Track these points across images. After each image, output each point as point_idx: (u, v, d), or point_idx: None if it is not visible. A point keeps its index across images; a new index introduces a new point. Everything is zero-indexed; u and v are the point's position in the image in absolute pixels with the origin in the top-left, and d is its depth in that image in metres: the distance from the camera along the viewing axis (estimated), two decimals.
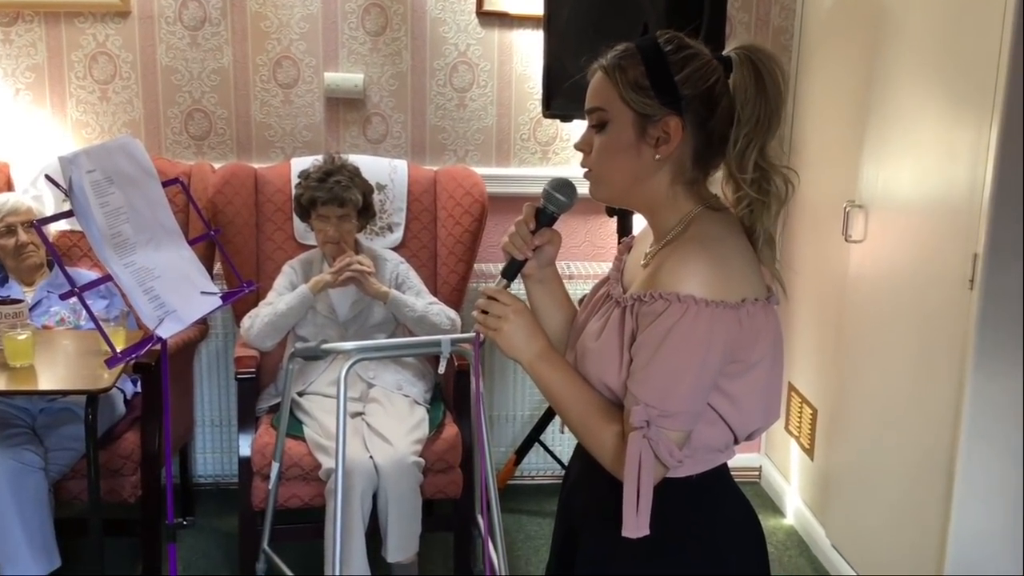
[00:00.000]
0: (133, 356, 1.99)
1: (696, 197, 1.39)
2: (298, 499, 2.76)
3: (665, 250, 1.37)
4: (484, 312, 1.44)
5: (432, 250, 3.31)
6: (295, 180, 3.10)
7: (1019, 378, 2.30)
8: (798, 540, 3.36)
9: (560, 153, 3.54)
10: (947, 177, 2.41)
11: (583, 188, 1.45)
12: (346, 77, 3.38)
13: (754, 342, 1.33)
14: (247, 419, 2.90)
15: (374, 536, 2.67)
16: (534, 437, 3.48)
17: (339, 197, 2.89)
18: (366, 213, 3.02)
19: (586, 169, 1.42)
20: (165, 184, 2.15)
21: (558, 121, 3.36)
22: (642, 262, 1.43)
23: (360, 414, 2.84)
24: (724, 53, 1.37)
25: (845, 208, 2.88)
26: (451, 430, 2.87)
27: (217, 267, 3.23)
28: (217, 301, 2.16)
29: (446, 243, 3.27)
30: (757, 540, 1.50)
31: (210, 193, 3.13)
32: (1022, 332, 2.28)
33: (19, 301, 2.60)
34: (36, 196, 3.09)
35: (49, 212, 3.02)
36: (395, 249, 3.22)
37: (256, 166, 3.29)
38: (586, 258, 3.60)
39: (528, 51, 3.42)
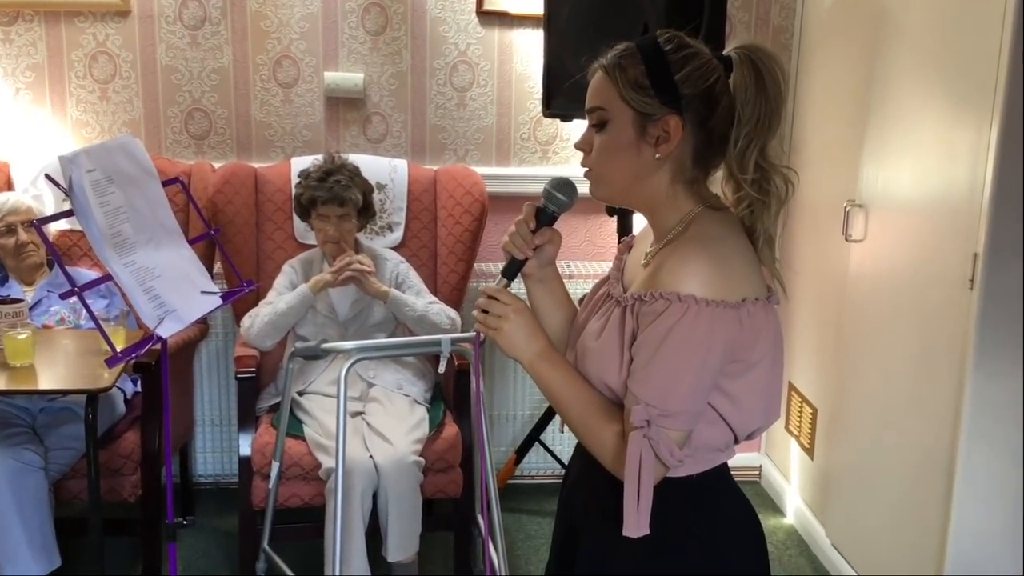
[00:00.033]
0: (133, 356, 1.99)
1: (696, 196, 1.39)
2: (298, 498, 2.76)
3: (666, 250, 1.37)
4: (484, 311, 1.44)
5: (432, 249, 3.31)
6: (295, 179, 3.10)
7: (1019, 378, 2.30)
8: (798, 540, 3.36)
9: (560, 152, 3.54)
10: (947, 177, 2.41)
11: (583, 187, 1.45)
12: (346, 76, 3.38)
13: (754, 342, 1.33)
14: (247, 418, 2.90)
15: (374, 535, 2.67)
16: (534, 436, 3.48)
17: (339, 197, 2.89)
18: (366, 212, 3.02)
19: (586, 168, 1.42)
20: (165, 183, 2.15)
21: (558, 120, 3.36)
22: (642, 262, 1.43)
23: (360, 413, 2.84)
24: (724, 53, 1.37)
25: (845, 208, 2.88)
26: (451, 429, 2.87)
27: (217, 266, 3.23)
28: (217, 300, 2.16)
29: (446, 242, 3.27)
30: (757, 540, 1.50)
31: (210, 192, 3.13)
32: (1022, 332, 2.28)
33: (19, 300, 2.60)
34: (36, 195, 3.09)
35: (49, 211, 3.02)
36: (395, 248, 3.22)
37: (256, 165, 3.29)
38: (586, 257, 3.60)
39: (528, 50, 3.42)
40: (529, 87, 3.46)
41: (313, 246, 3.13)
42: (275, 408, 2.95)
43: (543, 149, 3.54)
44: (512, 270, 1.48)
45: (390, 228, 3.28)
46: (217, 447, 3.53)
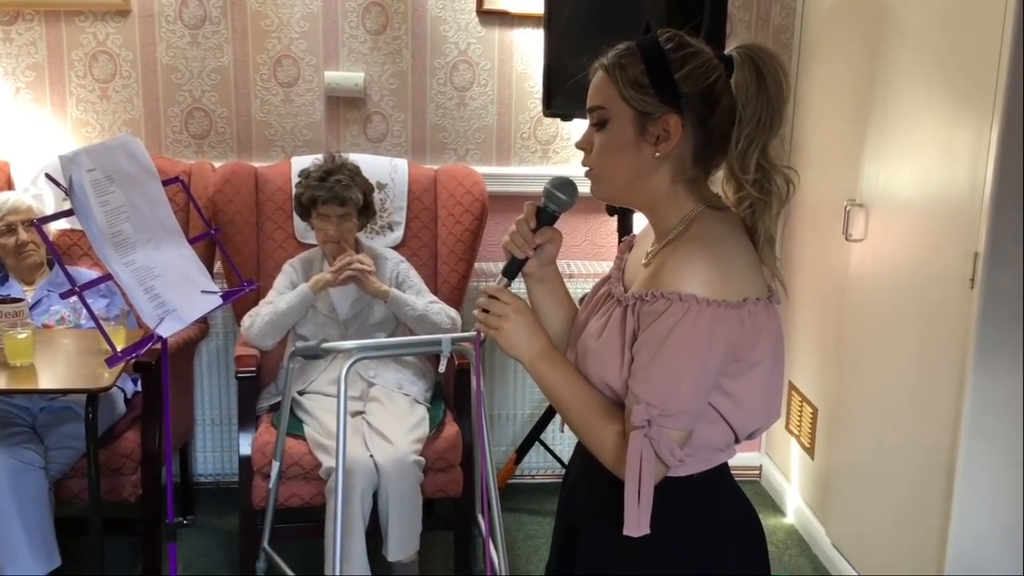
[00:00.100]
0: (133, 355, 1.99)
1: (697, 196, 1.39)
2: (298, 498, 2.76)
3: (667, 249, 1.37)
4: (485, 311, 1.44)
5: (432, 249, 3.31)
6: (295, 179, 3.10)
7: (1019, 377, 2.30)
8: (798, 539, 3.36)
9: (560, 152, 3.54)
10: (948, 176, 2.41)
11: (584, 187, 1.45)
12: (346, 76, 3.38)
13: (755, 341, 1.33)
14: (247, 418, 2.90)
15: (374, 535, 2.67)
16: (534, 436, 3.48)
17: (339, 196, 2.89)
18: (366, 212, 3.02)
19: (587, 168, 1.42)
20: (165, 183, 2.15)
21: (558, 120, 3.36)
22: (643, 261, 1.43)
23: (360, 413, 2.84)
24: (726, 52, 1.37)
25: (846, 207, 2.87)
26: (451, 429, 2.87)
27: (217, 266, 3.23)
28: (217, 300, 2.16)
29: (446, 242, 3.27)
30: (757, 539, 1.50)
31: (210, 192, 3.13)
32: (1022, 331, 2.28)
33: (19, 300, 2.60)
34: (36, 195, 3.09)
35: (49, 211, 3.02)
36: (395, 248, 3.22)
37: (256, 165, 3.29)
38: (587, 257, 3.60)
39: (528, 50, 3.42)
40: (529, 86, 3.46)
41: (313, 245, 3.13)
42: (275, 407, 2.95)
43: (543, 148, 3.54)
44: (513, 269, 1.48)
45: (390, 227, 3.28)
46: (217, 447, 3.53)
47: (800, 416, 3.41)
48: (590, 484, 1.48)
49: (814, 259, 3.26)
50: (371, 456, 2.65)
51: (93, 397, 2.46)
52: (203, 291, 2.13)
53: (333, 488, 2.50)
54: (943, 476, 2.41)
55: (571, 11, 2.75)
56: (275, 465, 2.62)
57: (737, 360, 1.32)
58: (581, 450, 1.52)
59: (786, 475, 3.58)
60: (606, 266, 3.18)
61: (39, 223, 2.40)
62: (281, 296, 2.97)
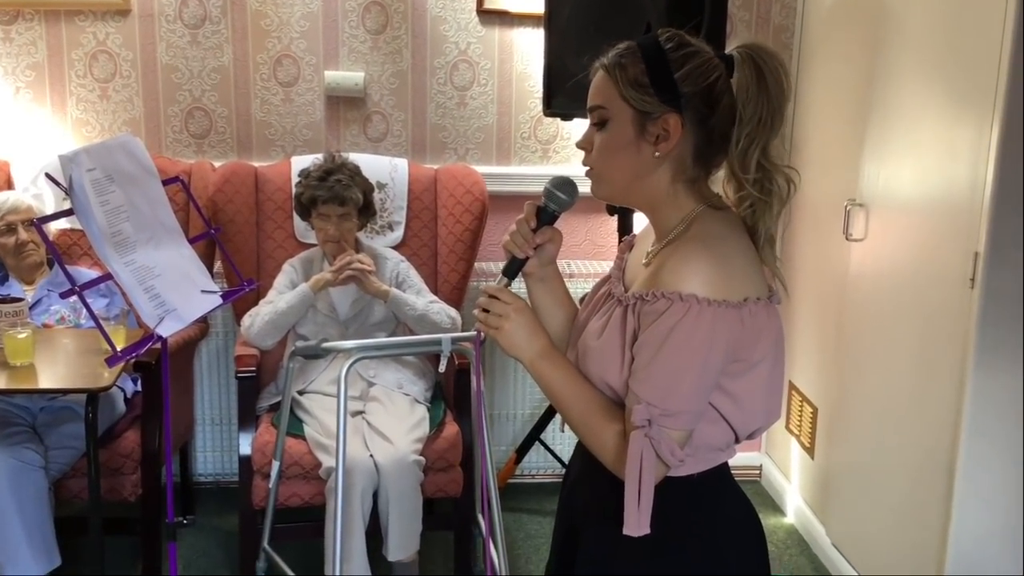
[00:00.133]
0: (133, 355, 1.99)
1: (697, 196, 1.39)
2: (298, 498, 2.76)
3: (667, 249, 1.37)
4: (485, 311, 1.44)
5: (433, 249, 3.31)
6: (295, 179, 3.10)
7: (1020, 377, 2.30)
8: (798, 539, 3.36)
9: (561, 152, 3.54)
10: (948, 176, 2.41)
11: (584, 186, 1.45)
12: (346, 75, 3.38)
13: (756, 341, 1.33)
14: (247, 418, 2.90)
15: (374, 535, 2.67)
16: (535, 436, 3.48)
17: (339, 196, 2.89)
18: (366, 212, 3.02)
19: (587, 167, 1.42)
20: (165, 182, 2.14)
21: (559, 120, 3.36)
22: (644, 261, 1.43)
23: (360, 413, 2.84)
24: (727, 52, 1.37)
25: (846, 207, 2.87)
26: (451, 429, 2.87)
27: (217, 266, 3.23)
28: (217, 300, 2.16)
29: (447, 242, 3.27)
30: (758, 539, 1.50)
31: (210, 191, 3.13)
32: (1022, 331, 2.28)
33: (19, 300, 2.60)
34: (36, 194, 3.09)
35: (49, 210, 3.02)
36: (395, 248, 3.22)
37: (256, 164, 3.29)
38: (587, 257, 3.60)
39: (529, 49, 3.42)
40: (530, 86, 3.46)
41: (313, 245, 3.13)
42: (275, 407, 2.95)
43: (543, 148, 3.53)
44: (513, 269, 1.48)
45: (390, 227, 3.28)
46: (217, 446, 3.53)
47: (800, 416, 3.41)
48: (590, 484, 1.48)
49: (814, 259, 3.26)
50: (371, 456, 2.65)
51: (93, 397, 2.46)
52: (203, 291, 2.13)
53: (333, 488, 2.50)
54: (943, 476, 2.40)
55: (571, 11, 2.75)
56: (275, 465, 2.62)
57: (737, 360, 1.32)
58: (581, 450, 1.52)
59: (786, 475, 3.57)
60: (606, 266, 3.18)
61: (39, 223, 2.40)
62: (281, 296, 2.97)
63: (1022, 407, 2.32)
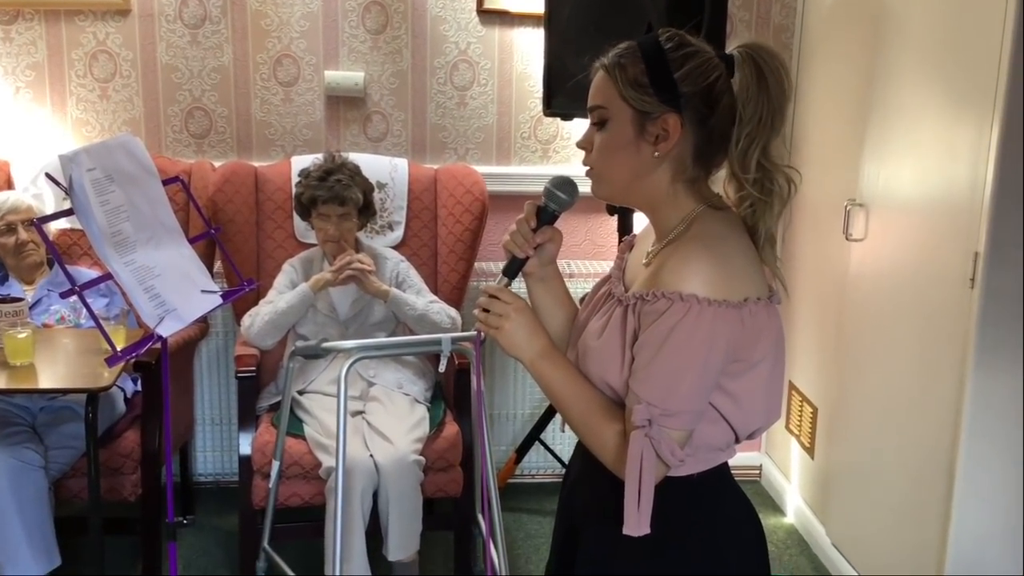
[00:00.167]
0: (133, 355, 1.99)
1: (697, 196, 1.39)
2: (298, 498, 2.76)
3: (667, 249, 1.37)
4: (485, 311, 1.44)
5: (432, 248, 3.31)
6: (295, 178, 3.10)
7: (1020, 377, 2.30)
8: (798, 539, 3.36)
9: (561, 151, 3.54)
10: (948, 176, 2.41)
11: (584, 186, 1.45)
12: (346, 75, 3.38)
13: (756, 341, 1.33)
14: (247, 418, 2.90)
15: (375, 535, 2.67)
16: (535, 436, 3.48)
17: (340, 196, 2.89)
18: (367, 212, 3.02)
19: (587, 167, 1.42)
20: (165, 182, 2.14)
21: (559, 120, 3.36)
22: (644, 261, 1.43)
23: (360, 413, 2.84)
24: (728, 51, 1.36)
25: (846, 206, 2.87)
26: (451, 428, 2.87)
27: (217, 265, 3.23)
28: (217, 299, 2.16)
29: (447, 241, 3.27)
30: (757, 539, 1.50)
31: (210, 191, 3.13)
32: (1022, 331, 2.28)
33: (19, 299, 2.60)
34: (36, 194, 3.09)
35: (49, 210, 3.02)
36: (395, 247, 3.22)
37: (256, 164, 3.29)
38: (587, 256, 3.60)
39: (529, 49, 3.42)
40: (530, 86, 3.46)
41: (313, 245, 3.13)
42: (275, 407, 2.95)
43: (543, 148, 3.53)
44: (513, 269, 1.48)
45: (390, 227, 3.28)
46: (217, 446, 3.53)
47: (800, 416, 3.41)
48: (590, 484, 1.48)
49: (814, 259, 3.26)
50: (371, 456, 2.65)
51: (93, 397, 2.46)
52: (203, 290, 2.13)
53: (333, 488, 2.50)
54: (943, 476, 2.40)
55: (571, 11, 2.75)
56: (275, 465, 2.62)
57: (738, 360, 1.32)
58: (581, 450, 1.52)
59: (786, 475, 3.57)
60: (606, 266, 3.17)
61: (39, 222, 2.40)
62: (281, 296, 2.97)
63: (1022, 407, 2.32)
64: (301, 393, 2.94)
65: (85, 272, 3.02)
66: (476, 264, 3.34)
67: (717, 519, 1.43)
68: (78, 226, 2.30)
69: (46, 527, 2.58)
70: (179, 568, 2.91)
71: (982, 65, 2.24)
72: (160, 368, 2.47)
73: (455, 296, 3.25)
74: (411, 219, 3.29)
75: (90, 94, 3.32)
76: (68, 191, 1.90)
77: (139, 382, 2.85)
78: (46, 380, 2.52)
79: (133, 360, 2.53)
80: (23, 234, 2.90)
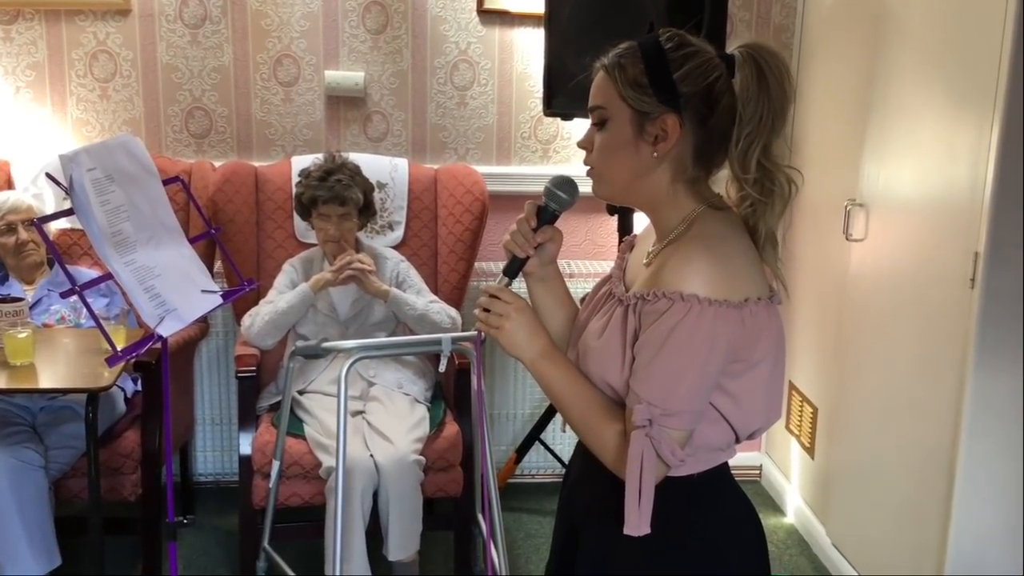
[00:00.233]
0: (134, 354, 1.99)
1: (697, 196, 1.39)
2: (298, 497, 2.76)
3: (668, 249, 1.37)
4: (486, 310, 1.44)
5: (433, 248, 3.31)
6: (296, 178, 3.10)
7: (1020, 377, 2.30)
8: (799, 539, 3.36)
9: (561, 151, 3.54)
10: (948, 176, 2.41)
11: (584, 186, 1.45)
12: (347, 75, 3.38)
13: (756, 341, 1.33)
14: (247, 417, 2.90)
15: (375, 535, 2.67)
16: (535, 436, 3.48)
17: (340, 196, 2.89)
18: (367, 211, 3.02)
19: (588, 167, 1.42)
20: (166, 182, 2.14)
21: (559, 120, 3.36)
22: (644, 261, 1.43)
23: (361, 412, 2.84)
24: (729, 51, 1.36)
25: (846, 207, 2.87)
26: (452, 428, 2.87)
27: (218, 265, 3.23)
28: (217, 299, 2.16)
29: (447, 241, 3.27)
30: (758, 539, 1.50)
31: (210, 191, 3.13)
32: (1022, 331, 2.28)
33: (19, 299, 2.60)
34: (36, 194, 3.10)
35: (49, 210, 3.02)
36: (396, 247, 3.22)
37: (257, 164, 3.29)
38: (587, 256, 3.60)
39: (529, 49, 3.42)
40: (530, 86, 3.46)
41: (313, 245, 3.13)
42: (275, 407, 2.95)
43: (544, 148, 3.54)
44: (513, 269, 1.48)
45: (391, 227, 3.28)
46: (217, 446, 3.53)
47: (800, 416, 3.41)
48: (590, 484, 1.48)
49: (814, 259, 3.26)
50: (371, 456, 2.65)
51: (93, 396, 2.46)
52: (203, 290, 2.13)
53: (333, 487, 2.50)
54: (943, 476, 2.40)
55: (571, 11, 2.75)
56: (275, 464, 2.62)
57: (738, 360, 1.32)
58: (582, 449, 1.52)
59: (786, 475, 3.57)
60: (606, 266, 3.17)
61: (39, 222, 2.39)
62: (281, 295, 2.97)
63: (1022, 407, 2.32)
64: (301, 393, 2.94)
65: (85, 272, 3.02)
66: (476, 264, 3.34)
67: (717, 519, 1.43)
68: (78, 226, 2.30)
69: (46, 527, 2.58)
70: (179, 568, 2.91)
71: (982, 65, 2.24)
72: (160, 368, 2.47)
73: (455, 296, 3.25)
74: (411, 219, 3.29)
75: (90, 94, 3.32)
76: (68, 191, 1.90)
77: (139, 382, 2.85)
78: (46, 380, 2.52)
79: (133, 360, 2.53)
80: (23, 234, 2.90)
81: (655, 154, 1.35)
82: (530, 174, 3.49)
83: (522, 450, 3.51)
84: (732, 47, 1.36)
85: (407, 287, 3.03)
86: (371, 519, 2.65)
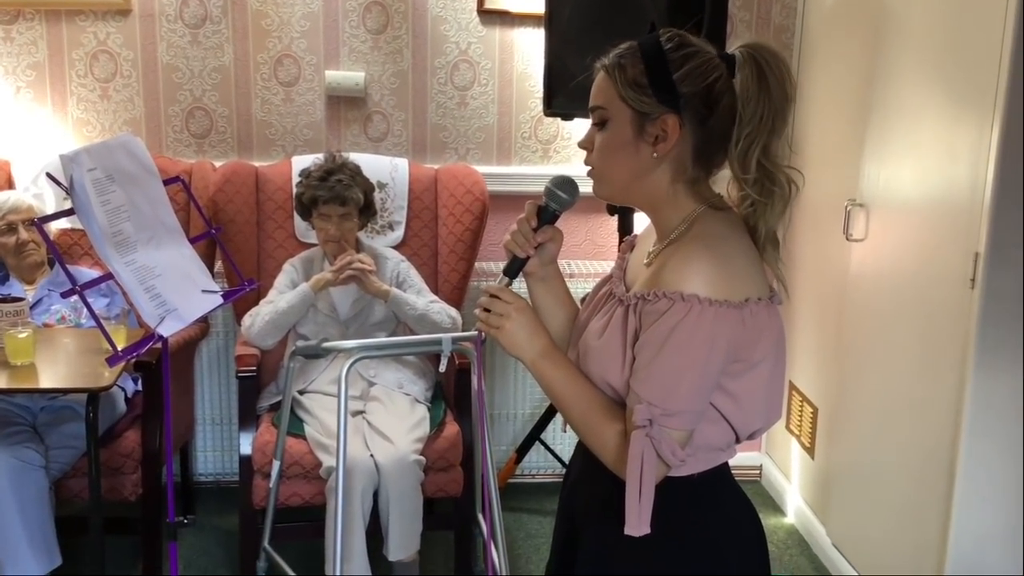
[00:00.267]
0: (134, 354, 1.99)
1: (698, 196, 1.39)
2: (299, 497, 2.76)
3: (668, 249, 1.37)
4: (486, 310, 1.44)
5: (433, 248, 3.31)
6: (296, 178, 3.10)
7: (1020, 377, 2.30)
8: (799, 539, 3.36)
9: (561, 151, 3.54)
10: (948, 176, 2.41)
11: (585, 186, 1.45)
12: (347, 75, 3.38)
13: (757, 341, 1.33)
14: (248, 417, 2.90)
15: (375, 535, 2.67)
16: (535, 435, 3.48)
17: (340, 196, 2.89)
18: (367, 211, 3.02)
19: (589, 167, 1.42)
20: (166, 182, 2.14)
21: (559, 120, 3.36)
22: (645, 261, 1.43)
23: (361, 412, 2.84)
24: (729, 51, 1.36)
25: (846, 207, 2.88)
26: (452, 428, 2.87)
27: (218, 265, 3.23)
28: (218, 299, 2.16)
29: (447, 241, 3.27)
30: (758, 539, 1.50)
31: (211, 191, 3.13)
32: (1023, 331, 2.28)
33: (20, 299, 2.60)
34: (37, 194, 3.10)
35: (50, 210, 3.02)
36: (396, 247, 3.22)
37: (257, 164, 3.29)
38: (587, 257, 3.60)
39: (529, 49, 3.42)
40: (530, 86, 3.46)
41: (314, 245, 3.13)
42: (276, 407, 2.95)
43: (544, 148, 3.54)
44: (514, 268, 1.48)
45: (391, 227, 3.28)
46: (218, 446, 3.53)
47: (800, 416, 3.41)
48: (591, 484, 1.48)
49: (815, 259, 3.26)
50: (371, 456, 2.65)
51: (94, 396, 2.46)
52: (204, 290, 2.13)
53: (333, 487, 2.50)
54: (943, 476, 2.41)
55: (572, 11, 2.75)
56: (275, 464, 2.62)
57: (738, 360, 1.32)
58: (582, 449, 1.52)
59: (786, 475, 3.58)
60: (607, 266, 3.17)
61: (40, 222, 2.39)
62: (282, 295, 2.97)
63: (1022, 407, 2.32)
64: (302, 393, 2.94)
65: (86, 272, 3.02)
66: (476, 264, 3.34)
67: (717, 519, 1.44)
68: (79, 226, 2.30)
69: (47, 527, 2.58)
70: (180, 568, 2.91)
71: (982, 65, 2.24)
72: (161, 368, 2.48)
73: (455, 296, 3.25)
74: (411, 219, 3.29)
75: (91, 94, 3.32)
76: (69, 191, 1.90)
77: (140, 382, 2.85)
78: (47, 380, 2.52)
79: (134, 360, 2.53)
80: (24, 234, 2.90)
81: (655, 154, 1.35)
82: (530, 174, 3.49)
83: (522, 450, 3.51)
84: (733, 47, 1.36)
85: (407, 287, 3.03)
86: (371, 519, 2.65)
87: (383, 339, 2.91)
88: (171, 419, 2.27)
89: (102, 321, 2.02)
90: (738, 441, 1.41)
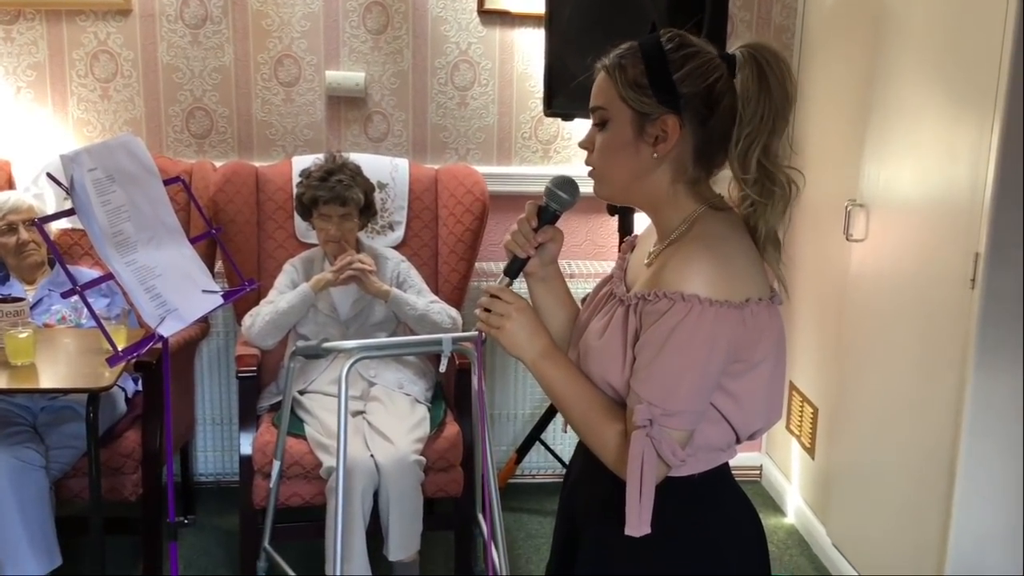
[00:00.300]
0: (134, 354, 1.99)
1: (698, 196, 1.39)
2: (299, 497, 2.76)
3: (669, 249, 1.37)
4: (487, 310, 1.44)
5: (433, 249, 3.31)
6: (296, 179, 3.10)
7: (1020, 376, 2.30)
8: (799, 539, 3.36)
9: (561, 152, 3.54)
10: (948, 176, 2.41)
11: (585, 186, 1.45)
12: (347, 75, 3.38)
13: (757, 342, 1.33)
14: (248, 417, 2.90)
15: (375, 535, 2.67)
16: (535, 436, 3.48)
17: (341, 196, 2.89)
18: (367, 212, 3.02)
19: (590, 167, 1.42)
20: (166, 182, 2.15)
21: (559, 120, 3.36)
22: (646, 261, 1.43)
23: (361, 412, 2.84)
24: (730, 51, 1.36)
25: (846, 207, 2.88)
26: (452, 428, 2.87)
27: (218, 265, 3.23)
28: (218, 299, 2.16)
29: (447, 242, 3.27)
30: (758, 539, 1.50)
31: (211, 191, 3.13)
32: (1023, 331, 2.28)
33: (20, 299, 2.60)
34: (37, 194, 3.10)
35: (50, 210, 3.02)
36: (396, 248, 3.22)
37: (257, 164, 3.29)
38: (587, 257, 3.60)
39: (529, 50, 3.42)
40: (530, 86, 3.46)
41: (314, 245, 3.13)
42: (276, 407, 2.95)
43: (544, 148, 3.54)
44: (514, 269, 1.48)
45: (391, 227, 3.28)
46: (218, 446, 3.53)
47: (800, 416, 3.42)
48: (591, 484, 1.48)
49: (815, 259, 3.26)
50: (372, 456, 2.65)
51: (94, 396, 2.46)
52: (204, 290, 2.13)
53: (334, 488, 2.50)
54: (943, 476, 2.41)
55: (572, 11, 2.75)
56: (276, 464, 2.63)
57: (739, 360, 1.32)
58: (582, 449, 1.52)
59: (786, 475, 3.58)
60: (607, 266, 3.17)
61: (40, 222, 2.39)
62: (282, 296, 2.97)
63: (1022, 407, 2.32)
64: (302, 393, 2.94)
65: (86, 272, 3.02)
66: (477, 264, 3.34)
67: (717, 519, 1.44)
68: (79, 226, 2.30)
69: (47, 527, 2.58)
70: (180, 568, 2.91)
71: (982, 65, 2.24)
72: (161, 368, 2.48)
73: (456, 296, 3.25)
74: (412, 219, 3.30)
75: (91, 94, 3.32)
76: (69, 191, 1.90)
77: (140, 382, 2.85)
78: (47, 380, 2.52)
79: (134, 360, 2.53)
80: (24, 234, 2.90)
81: (655, 155, 1.36)
82: (531, 174, 3.49)
83: (522, 450, 3.51)
84: (733, 47, 1.36)
85: (408, 287, 3.03)
86: (371, 519, 2.65)
87: (383, 339, 2.91)
88: (171, 419, 2.27)
89: (102, 321, 2.02)
90: (738, 441, 1.41)
